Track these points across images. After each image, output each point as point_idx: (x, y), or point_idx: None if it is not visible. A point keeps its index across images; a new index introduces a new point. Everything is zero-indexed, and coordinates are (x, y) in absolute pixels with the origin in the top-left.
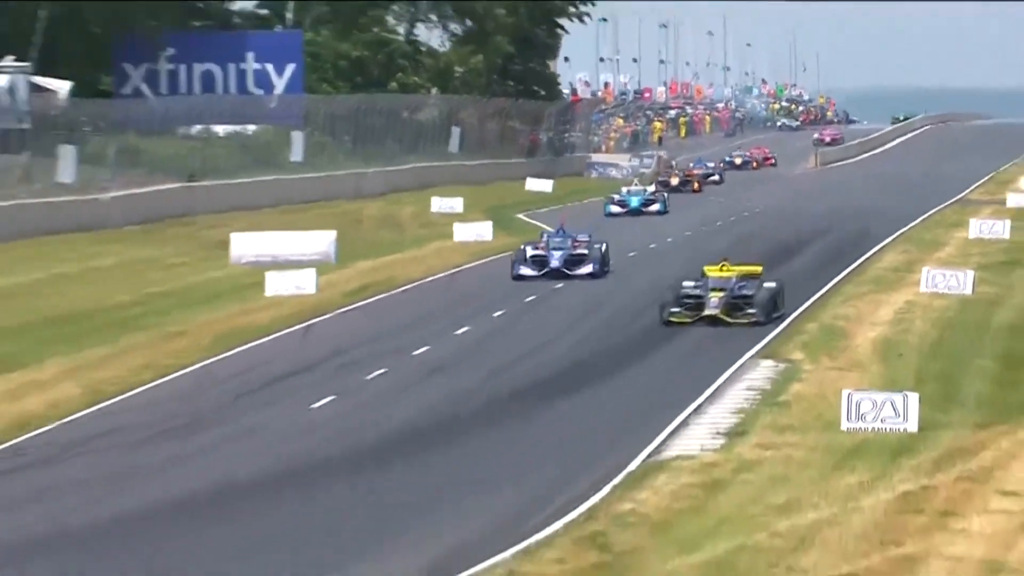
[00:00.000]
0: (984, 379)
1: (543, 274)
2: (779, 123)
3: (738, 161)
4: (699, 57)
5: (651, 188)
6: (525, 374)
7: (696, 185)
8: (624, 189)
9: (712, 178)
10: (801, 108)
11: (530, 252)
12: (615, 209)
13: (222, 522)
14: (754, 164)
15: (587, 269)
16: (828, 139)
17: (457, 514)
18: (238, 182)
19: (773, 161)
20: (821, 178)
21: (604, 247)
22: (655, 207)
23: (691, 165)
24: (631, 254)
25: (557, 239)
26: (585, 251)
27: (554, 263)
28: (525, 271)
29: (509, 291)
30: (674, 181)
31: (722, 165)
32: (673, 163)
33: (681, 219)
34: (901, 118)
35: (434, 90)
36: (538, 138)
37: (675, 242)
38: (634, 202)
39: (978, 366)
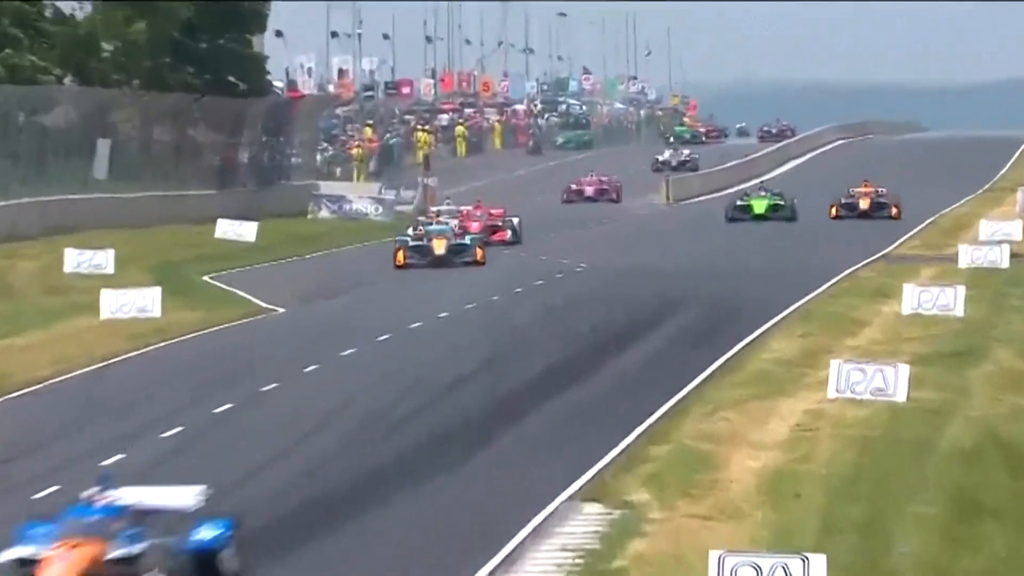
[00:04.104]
0: (925, 534)
1: None
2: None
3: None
4: (487, 35)
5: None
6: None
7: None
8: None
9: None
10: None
11: None
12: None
13: None
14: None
15: None
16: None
17: None
18: None
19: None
20: (674, 217)
21: None
22: (471, 256)
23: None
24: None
25: None
26: None
27: None
28: None
29: (194, 396)
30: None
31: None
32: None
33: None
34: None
35: (68, 78)
36: (235, 157)
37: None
38: (440, 249)
39: (915, 514)
